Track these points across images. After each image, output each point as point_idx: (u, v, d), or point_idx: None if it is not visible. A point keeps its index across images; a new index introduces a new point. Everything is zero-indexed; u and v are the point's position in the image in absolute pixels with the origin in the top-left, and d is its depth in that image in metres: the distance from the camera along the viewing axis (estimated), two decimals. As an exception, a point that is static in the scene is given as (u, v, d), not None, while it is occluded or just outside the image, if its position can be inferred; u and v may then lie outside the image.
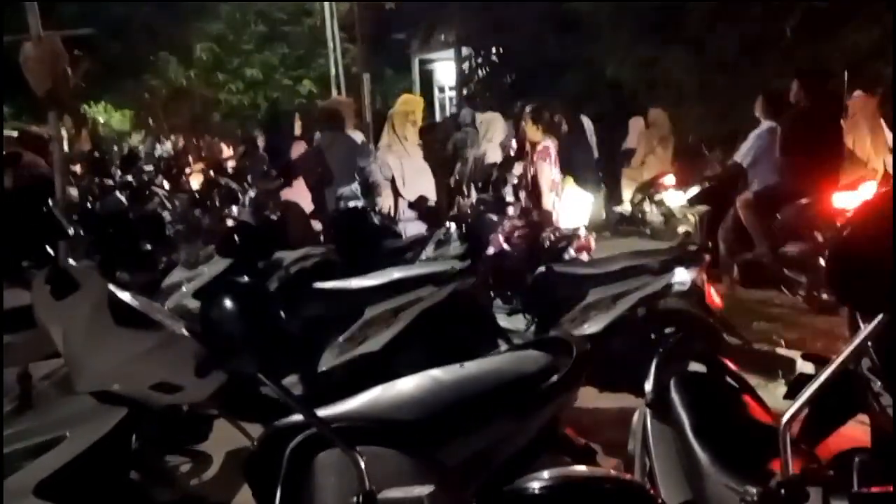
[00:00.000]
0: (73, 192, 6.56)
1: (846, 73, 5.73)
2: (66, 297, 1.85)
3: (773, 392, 3.25)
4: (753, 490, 0.96)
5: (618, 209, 8.32)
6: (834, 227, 4.23)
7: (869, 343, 1.01)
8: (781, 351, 4.04)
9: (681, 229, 6.27)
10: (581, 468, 1.40)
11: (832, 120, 4.82)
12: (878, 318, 0.98)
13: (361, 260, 3.78)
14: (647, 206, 7.87)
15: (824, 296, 4.60)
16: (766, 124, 5.18)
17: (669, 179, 7.46)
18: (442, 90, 17.35)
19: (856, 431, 1.92)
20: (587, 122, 7.41)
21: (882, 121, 5.02)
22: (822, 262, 4.43)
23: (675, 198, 6.25)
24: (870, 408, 1.76)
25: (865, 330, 0.99)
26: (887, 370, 1.68)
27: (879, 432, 1.76)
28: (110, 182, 6.72)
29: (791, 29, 7.22)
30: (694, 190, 5.73)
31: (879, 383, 1.71)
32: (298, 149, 6.67)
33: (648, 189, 7.85)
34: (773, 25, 7.38)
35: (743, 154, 5.23)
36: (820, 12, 6.96)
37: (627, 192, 8.33)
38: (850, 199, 4.26)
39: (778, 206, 4.79)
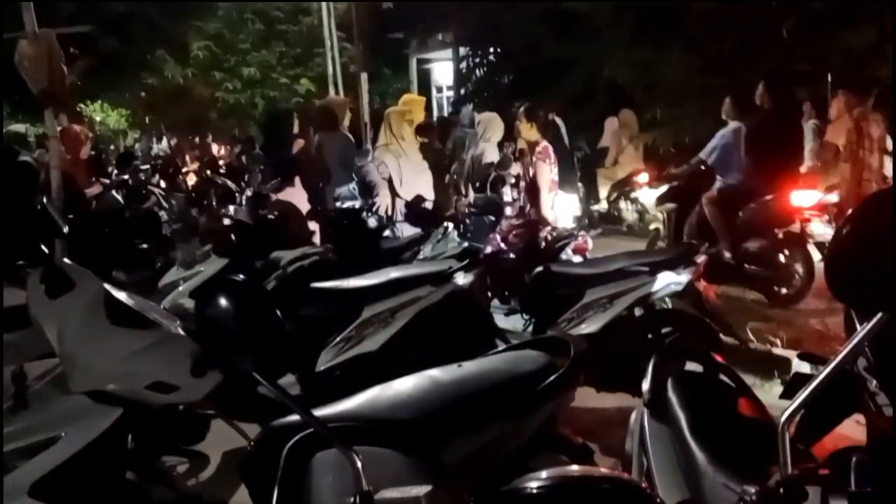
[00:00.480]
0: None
1: (829, 75, 5.81)
2: (62, 296, 1.84)
3: (769, 391, 3.26)
4: (752, 489, 0.96)
5: (595, 207, 8.48)
6: (790, 223, 4.44)
7: (865, 343, 1.01)
8: (777, 351, 4.05)
9: (652, 226, 6.41)
10: (579, 468, 1.39)
11: (793, 123, 5.05)
12: (876, 317, 0.98)
13: (359, 260, 3.77)
14: (622, 204, 8.10)
15: (783, 290, 4.78)
16: (731, 124, 5.35)
17: (643, 177, 7.70)
18: (440, 90, 17.35)
19: (851, 431, 1.92)
20: (560, 122, 7.47)
21: (871, 121, 5.11)
22: (781, 258, 4.62)
23: (649, 195, 6.37)
24: (865, 407, 1.77)
25: (864, 329, 0.99)
26: (883, 370, 1.68)
27: (875, 432, 1.76)
28: (106, 181, 6.69)
29: (788, 30, 7.23)
30: (662, 188, 5.90)
31: (875, 383, 1.71)
32: (298, 147, 6.66)
33: (623, 187, 8.07)
34: (770, 26, 7.39)
35: (708, 152, 5.42)
36: (817, 13, 6.98)
37: (603, 191, 8.50)
38: (807, 197, 4.46)
39: (741, 203, 4.95)
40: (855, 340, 1.00)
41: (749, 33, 7.52)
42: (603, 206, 8.41)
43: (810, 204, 4.47)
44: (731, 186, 5.16)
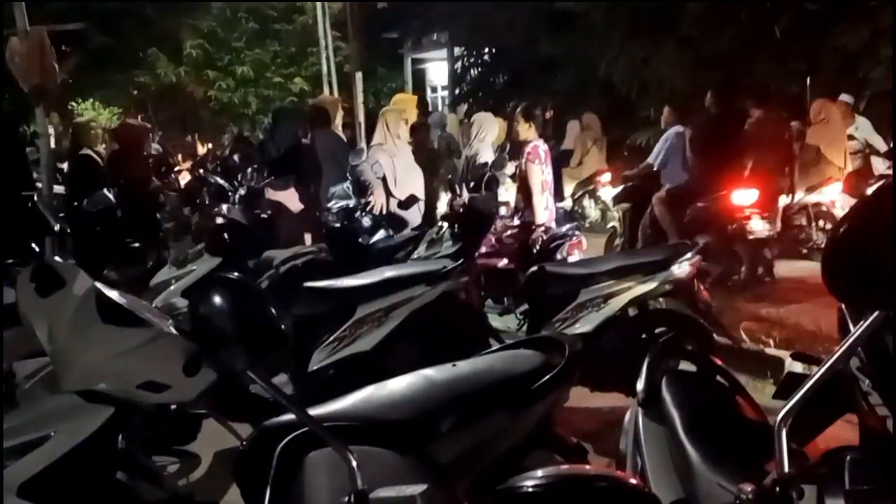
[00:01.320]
0: (59, 188, 6.50)
1: (808, 79, 5.94)
2: (52, 295, 1.82)
3: (762, 391, 3.27)
4: (748, 488, 0.96)
5: (559, 205, 8.77)
6: (733, 220, 4.71)
7: (860, 342, 1.01)
8: (770, 350, 4.07)
9: (609, 225, 6.72)
10: (573, 467, 1.39)
11: (736, 127, 5.37)
12: (873, 315, 0.97)
13: (352, 259, 3.76)
14: (586, 202, 8.50)
15: (728, 282, 5.10)
16: (674, 128, 5.86)
17: (605, 177, 8.17)
18: (434, 90, 17.34)
19: (842, 431, 1.93)
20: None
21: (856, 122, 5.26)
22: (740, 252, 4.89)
23: (611, 194, 6.72)
24: (859, 407, 1.77)
25: (860, 328, 0.99)
26: (877, 369, 1.69)
27: (869, 431, 1.77)
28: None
29: (781, 29, 7.27)
30: (618, 189, 6.24)
31: (868, 382, 1.72)
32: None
33: (587, 186, 8.48)
34: (764, 25, 7.43)
35: (654, 155, 5.94)
36: (811, 13, 7.02)
37: (568, 189, 8.80)
38: (748, 196, 4.74)
39: (688, 202, 5.28)
40: (852, 339, 1.00)
41: (743, 32, 7.55)
42: (567, 203, 8.73)
43: (750, 202, 4.73)
44: (678, 187, 5.52)
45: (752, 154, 5.30)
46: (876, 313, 0.96)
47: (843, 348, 1.01)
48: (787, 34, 7.20)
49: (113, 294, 1.85)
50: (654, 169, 5.86)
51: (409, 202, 5.09)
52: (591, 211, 8.46)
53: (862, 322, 0.98)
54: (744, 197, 4.80)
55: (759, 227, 4.71)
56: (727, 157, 5.07)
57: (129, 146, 5.97)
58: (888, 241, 0.95)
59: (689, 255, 3.40)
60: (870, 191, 1.01)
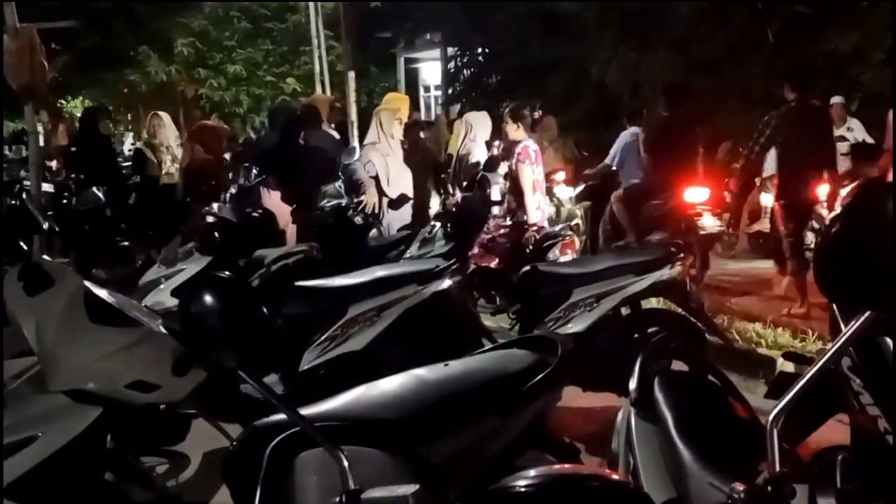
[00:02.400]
0: (48, 187, 6.45)
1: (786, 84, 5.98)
2: (40, 293, 1.80)
3: (753, 391, 3.28)
4: (740, 487, 0.96)
5: None
6: (685, 217, 4.92)
7: (851, 342, 1.01)
8: (762, 350, 4.09)
9: (573, 222, 6.98)
10: (566, 466, 1.39)
11: (688, 127, 5.57)
12: (864, 316, 0.98)
13: (344, 258, 3.74)
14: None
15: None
16: (629, 129, 6.18)
17: (560, 176, 8.35)
18: (427, 89, 17.33)
19: (834, 430, 1.94)
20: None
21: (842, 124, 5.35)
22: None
23: (566, 192, 6.92)
24: (849, 406, 1.78)
25: (852, 327, 0.99)
26: (868, 369, 1.70)
27: (859, 430, 1.78)
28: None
29: (773, 33, 7.32)
30: (580, 188, 6.47)
31: (859, 382, 1.73)
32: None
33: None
34: (756, 29, 7.48)
35: (611, 156, 6.29)
36: (802, 17, 7.07)
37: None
38: (699, 194, 4.99)
39: (643, 201, 5.51)
40: (843, 339, 1.00)
41: (735, 36, 7.60)
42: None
43: (702, 200, 4.94)
44: (635, 185, 5.83)
45: (707, 153, 5.69)
46: (867, 314, 0.97)
47: (835, 348, 1.01)
48: (779, 37, 7.25)
49: (102, 293, 1.83)
50: (613, 168, 6.18)
51: (399, 201, 5.09)
52: (548, 207, 8.79)
53: (853, 322, 0.98)
54: (696, 195, 4.98)
55: (709, 223, 4.88)
56: (677, 156, 5.26)
57: (207, 149, 5.91)
58: (879, 242, 0.95)
59: (681, 255, 3.41)
60: (860, 192, 1.02)
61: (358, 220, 4.71)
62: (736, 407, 1.70)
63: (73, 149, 6.88)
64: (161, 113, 6.30)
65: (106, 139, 6.62)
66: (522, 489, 0.97)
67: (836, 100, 6.11)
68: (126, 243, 5.25)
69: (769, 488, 0.93)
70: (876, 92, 5.79)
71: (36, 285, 1.81)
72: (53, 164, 8.67)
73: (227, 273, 1.36)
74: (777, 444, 0.96)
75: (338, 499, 1.05)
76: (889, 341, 1.55)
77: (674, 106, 5.60)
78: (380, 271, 3.35)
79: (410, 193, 5.24)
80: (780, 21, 7.20)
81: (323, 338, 3.08)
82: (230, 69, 14.32)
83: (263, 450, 1.35)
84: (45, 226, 2.44)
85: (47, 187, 6.32)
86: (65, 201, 6.01)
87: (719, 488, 1.15)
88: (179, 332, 1.67)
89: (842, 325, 1.05)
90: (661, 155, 5.41)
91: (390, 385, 1.73)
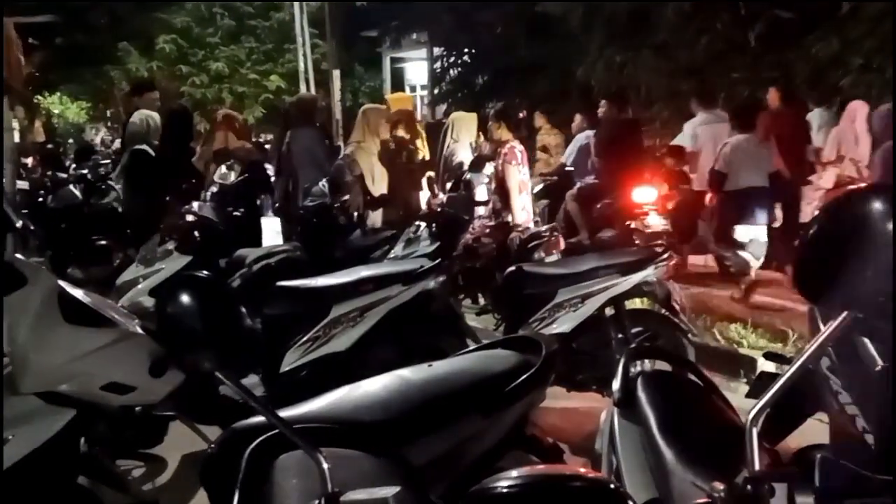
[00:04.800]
0: (23, 184, 6.32)
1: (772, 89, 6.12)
2: (12, 293, 1.75)
3: (735, 391, 3.30)
4: (720, 486, 0.96)
5: None
6: (634, 216, 5.20)
7: (830, 342, 1.01)
8: (743, 350, 4.13)
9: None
10: (549, 466, 1.37)
11: (634, 131, 6.14)
12: (841, 316, 0.98)
13: (328, 258, 3.71)
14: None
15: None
16: (584, 132, 6.61)
17: None
18: (413, 89, 17.30)
19: (812, 429, 1.96)
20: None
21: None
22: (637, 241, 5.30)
23: None
24: (828, 406, 1.80)
25: (829, 328, 0.99)
26: (846, 369, 1.71)
27: (838, 430, 1.79)
28: (64, 175, 6.48)
29: (755, 37, 7.40)
30: (538, 186, 6.68)
31: (838, 382, 1.74)
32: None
33: None
34: (738, 33, 7.56)
35: (566, 156, 6.74)
36: (783, 22, 7.16)
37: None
38: (646, 194, 5.26)
39: (596, 199, 5.91)
40: (820, 339, 1.01)
41: (718, 40, 7.69)
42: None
43: (649, 200, 5.23)
44: (588, 185, 6.21)
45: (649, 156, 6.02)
46: (844, 314, 0.97)
47: (812, 348, 1.01)
48: (761, 42, 7.34)
49: (77, 293, 1.79)
50: (568, 168, 6.60)
51: (381, 201, 5.06)
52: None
53: (831, 322, 0.98)
54: (643, 195, 5.25)
55: (654, 221, 5.11)
56: (624, 159, 5.63)
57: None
58: (857, 243, 0.95)
59: (664, 256, 3.43)
60: (839, 193, 1.02)
61: (342, 219, 4.67)
62: (718, 407, 1.70)
63: (49, 146, 6.73)
64: (152, 113, 6.22)
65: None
66: (504, 490, 0.95)
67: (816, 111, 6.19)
68: (103, 242, 5.16)
69: (748, 487, 0.93)
70: (855, 97, 5.88)
71: (9, 285, 1.76)
72: (29, 161, 8.52)
73: (204, 272, 1.33)
74: (756, 443, 0.96)
75: (317, 502, 1.03)
76: (867, 341, 1.56)
77: (617, 112, 6.11)
78: (364, 271, 3.32)
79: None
80: (762, 27, 7.28)
81: (305, 338, 3.05)
82: (213, 66, 14.20)
83: (242, 452, 1.32)
84: (19, 224, 2.39)
85: (22, 184, 6.19)
86: (40, 199, 5.90)
87: (700, 487, 1.15)
88: (156, 333, 1.64)
89: (821, 326, 1.05)
90: (610, 157, 5.87)
91: (373, 386, 1.71)
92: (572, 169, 6.55)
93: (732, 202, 5.08)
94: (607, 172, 5.88)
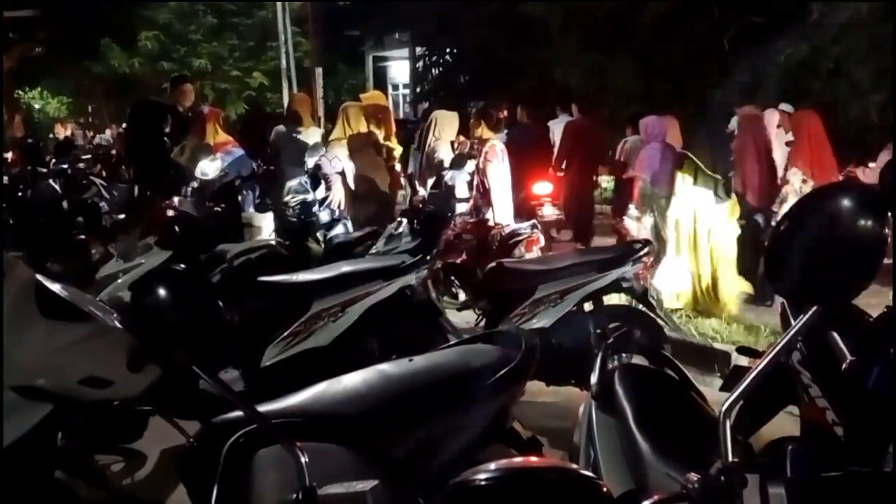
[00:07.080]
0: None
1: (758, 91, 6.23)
2: (-13, 287, 1.72)
3: (709, 384, 3.36)
4: (694, 477, 0.98)
5: None
6: (533, 207, 5.90)
7: (800, 336, 1.04)
8: (718, 345, 4.19)
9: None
10: (526, 459, 1.39)
11: (541, 134, 7.26)
12: (811, 310, 1.01)
13: (309, 253, 3.69)
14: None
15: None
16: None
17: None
18: (395, 87, 17.27)
19: (784, 422, 2.00)
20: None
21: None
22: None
23: None
24: (799, 399, 1.84)
25: (799, 322, 1.02)
26: (816, 362, 1.75)
27: (809, 422, 1.84)
28: (43, 170, 6.37)
29: (728, 42, 7.52)
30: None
31: (808, 375, 1.78)
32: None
33: None
34: (712, 38, 7.68)
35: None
36: (755, 27, 7.28)
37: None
38: (543, 188, 6.15)
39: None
40: (791, 333, 1.03)
41: (693, 44, 7.81)
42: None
43: (545, 193, 6.12)
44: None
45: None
46: (813, 308, 1.00)
47: (783, 342, 1.04)
48: (734, 46, 7.47)
49: (54, 286, 1.77)
50: None
51: (361, 197, 5.05)
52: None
53: (801, 316, 1.01)
54: (540, 189, 6.12)
55: (548, 211, 6.03)
56: (534, 156, 6.49)
57: None
58: (825, 239, 0.98)
59: (642, 252, 3.47)
60: (811, 189, 1.05)
61: (323, 215, 4.66)
62: (692, 400, 1.73)
63: (28, 140, 6.63)
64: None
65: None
66: (483, 482, 0.96)
67: (783, 107, 6.27)
68: (83, 237, 5.09)
69: (722, 478, 0.95)
70: (824, 101, 6.02)
71: (-17, 279, 1.73)
72: (8, 155, 8.37)
73: (181, 267, 1.33)
74: (729, 435, 0.98)
75: (294, 496, 1.03)
76: (836, 335, 1.60)
77: (532, 114, 7.28)
78: (345, 267, 3.32)
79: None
80: (735, 31, 7.41)
81: (286, 333, 3.04)
82: (195, 63, 14.04)
83: (221, 447, 1.33)
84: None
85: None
86: (20, 194, 5.80)
87: (675, 478, 1.18)
88: (133, 327, 1.63)
89: (791, 320, 1.08)
90: (517, 155, 6.29)
91: (353, 380, 1.71)
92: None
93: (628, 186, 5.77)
94: (519, 168, 6.32)
